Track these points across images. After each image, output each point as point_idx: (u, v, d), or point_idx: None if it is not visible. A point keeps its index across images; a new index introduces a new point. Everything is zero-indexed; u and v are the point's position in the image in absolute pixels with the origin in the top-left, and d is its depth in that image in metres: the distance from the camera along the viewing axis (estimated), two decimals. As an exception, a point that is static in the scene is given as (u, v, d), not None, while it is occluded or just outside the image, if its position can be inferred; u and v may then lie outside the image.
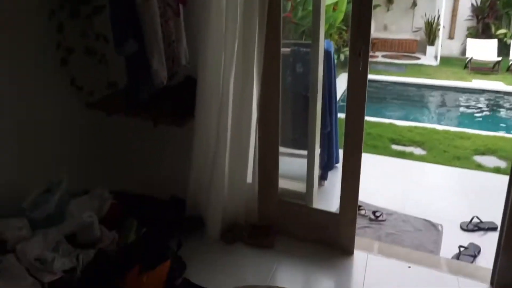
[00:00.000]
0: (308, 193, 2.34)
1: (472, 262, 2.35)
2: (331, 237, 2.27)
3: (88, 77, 2.37)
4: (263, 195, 2.35)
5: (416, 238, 2.55)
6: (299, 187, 2.40)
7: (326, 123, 2.98)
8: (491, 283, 2.12)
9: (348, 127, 2.13)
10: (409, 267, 2.18)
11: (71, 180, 2.23)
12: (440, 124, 5.79)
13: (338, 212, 2.24)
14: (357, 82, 2.05)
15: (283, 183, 2.38)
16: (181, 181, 2.38)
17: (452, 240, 2.57)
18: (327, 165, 3.07)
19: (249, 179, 2.32)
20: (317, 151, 2.48)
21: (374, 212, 2.75)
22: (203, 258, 2.22)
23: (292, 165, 3.22)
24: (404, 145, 4.54)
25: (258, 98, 2.22)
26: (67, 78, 2.29)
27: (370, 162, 3.32)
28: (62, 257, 1.75)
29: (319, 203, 2.56)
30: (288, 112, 3.00)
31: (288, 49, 3.03)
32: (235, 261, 2.22)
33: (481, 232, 2.70)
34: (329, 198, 2.99)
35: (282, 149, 2.38)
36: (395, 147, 4.51)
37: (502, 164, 4.12)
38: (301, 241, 2.33)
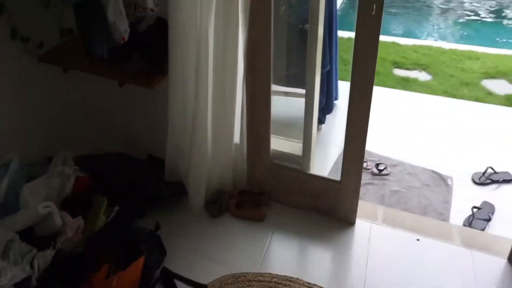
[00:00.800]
0: (305, 157, 1.88)
1: (485, 228, 2.00)
2: (330, 206, 1.89)
3: (35, 25, 1.77)
4: (253, 157, 1.90)
5: (423, 196, 2.17)
6: (294, 148, 1.93)
7: (325, 60, 2.41)
8: (509, 258, 1.79)
9: (355, 73, 1.61)
10: (418, 239, 1.84)
11: (31, 150, 1.78)
12: (447, 41, 5.04)
13: (339, 179, 1.82)
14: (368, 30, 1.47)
15: (275, 144, 1.91)
16: (159, 141, 1.92)
17: (464, 197, 2.20)
18: (325, 108, 2.57)
19: (237, 139, 1.87)
20: (316, 101, 1.96)
21: (377, 165, 2.34)
22: (185, 235, 1.85)
23: (285, 107, 2.73)
24: (407, 68, 3.93)
25: (245, 42, 1.66)
26: (6, 28, 1.70)
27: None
28: (13, 266, 1.36)
29: (315, 152, 2.13)
30: (282, 46, 2.42)
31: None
32: (223, 238, 1.85)
33: (495, 185, 2.31)
34: (326, 145, 2.55)
35: (274, 87, 1.90)
36: (398, 71, 3.91)
37: (512, 89, 3.60)
38: (296, 209, 1.95)
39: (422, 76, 3.83)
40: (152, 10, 1.61)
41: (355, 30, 1.56)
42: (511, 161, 2.50)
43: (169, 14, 1.56)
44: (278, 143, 1.94)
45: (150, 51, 1.76)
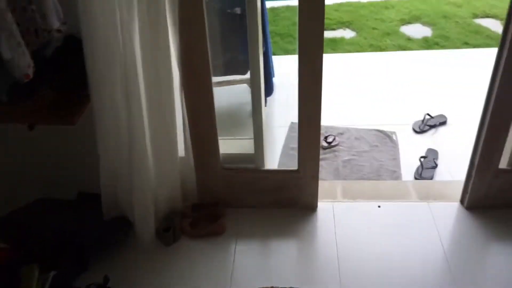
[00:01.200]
0: (258, 153, 1.76)
1: (433, 175, 2.04)
2: (291, 198, 1.81)
3: None
4: (202, 167, 1.75)
5: (374, 158, 2.17)
6: (245, 146, 1.81)
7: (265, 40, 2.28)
8: (461, 201, 1.85)
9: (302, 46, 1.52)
10: (379, 206, 1.83)
11: None
12: None
13: (297, 168, 1.74)
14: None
15: (224, 147, 1.76)
16: (89, 173, 1.66)
17: (409, 150, 2.23)
18: (265, 90, 2.45)
19: (181, 152, 1.70)
20: (262, 87, 1.78)
21: (325, 138, 2.28)
22: (141, 275, 1.60)
23: (227, 98, 2.58)
24: (333, 29, 3.89)
25: (178, 48, 1.47)
26: None
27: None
28: None
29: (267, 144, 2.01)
30: (215, 36, 2.24)
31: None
32: (184, 266, 1.63)
33: (433, 131, 2.36)
34: (272, 129, 2.45)
35: (214, 79, 1.70)
36: (324, 34, 3.85)
37: (427, 31, 3.69)
38: (256, 209, 1.83)
39: (347, 33, 3.81)
40: (59, 31, 1.33)
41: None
42: (443, 103, 2.57)
43: (82, 31, 1.32)
44: (227, 145, 1.80)
45: (62, 79, 1.50)
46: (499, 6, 4.01)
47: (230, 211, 1.81)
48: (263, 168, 1.78)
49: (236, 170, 1.78)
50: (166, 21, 1.39)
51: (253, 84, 1.71)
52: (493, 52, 3.10)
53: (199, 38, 1.50)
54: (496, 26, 3.73)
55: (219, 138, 1.75)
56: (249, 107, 1.79)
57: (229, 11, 2.28)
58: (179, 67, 1.53)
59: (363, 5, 4.19)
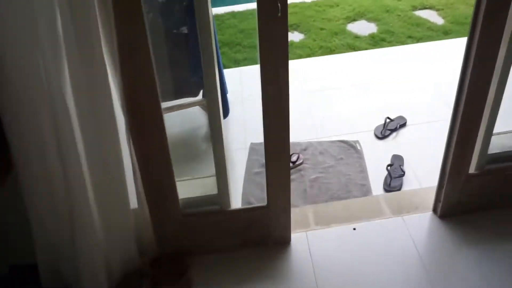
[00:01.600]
0: (223, 192, 1.54)
1: (402, 183, 1.94)
2: (261, 235, 1.63)
3: None
4: (160, 216, 1.51)
5: (341, 173, 2.03)
6: (207, 186, 1.58)
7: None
8: (434, 210, 1.76)
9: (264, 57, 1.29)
10: (354, 229, 1.70)
11: None
12: None
13: (266, 204, 1.55)
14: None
15: (183, 190, 1.53)
16: (22, 242, 1.37)
17: (374, 158, 2.12)
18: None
19: (134, 203, 1.45)
20: (221, 111, 1.55)
21: (290, 156, 2.11)
22: None
23: (179, 123, 2.34)
24: (280, 33, 3.72)
25: (119, 84, 1.23)
26: None
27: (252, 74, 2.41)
28: None
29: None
30: (162, 58, 1.99)
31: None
32: None
33: (394, 134, 2.27)
34: (228, 150, 2.23)
35: (164, 104, 1.45)
36: (272, 38, 3.68)
37: (373, 27, 3.63)
38: (225, 254, 1.62)
39: (296, 36, 3.66)
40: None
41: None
42: (400, 103, 2.49)
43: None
44: (186, 187, 1.57)
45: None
46: (434, -4, 4.05)
47: (196, 261, 1.59)
48: (228, 209, 1.57)
49: (199, 214, 1.56)
50: (102, 53, 1.14)
51: (210, 100, 1.45)
52: (436, 44, 3.09)
53: (144, 69, 1.26)
54: (433, 17, 3.75)
55: (176, 180, 1.52)
56: (204, 130, 1.59)
57: (175, 31, 2.04)
58: (122, 107, 1.28)
59: (308, 6, 4.06)
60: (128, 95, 1.27)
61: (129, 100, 1.28)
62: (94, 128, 1.25)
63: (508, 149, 1.67)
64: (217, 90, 1.43)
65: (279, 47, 1.28)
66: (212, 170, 1.59)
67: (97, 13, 1.09)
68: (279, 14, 1.16)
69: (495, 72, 1.44)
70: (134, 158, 1.38)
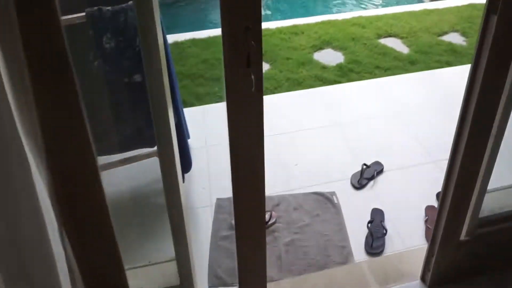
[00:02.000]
0: (186, 281, 1.25)
1: (385, 244, 1.74)
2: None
3: None
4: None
5: (318, 233, 1.80)
6: (166, 274, 1.29)
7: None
8: (422, 278, 1.56)
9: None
10: (338, 308, 1.47)
11: None
12: (271, 20, 4.65)
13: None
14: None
15: (135, 282, 1.22)
16: None
17: (353, 213, 1.91)
18: (182, 168, 1.94)
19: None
20: (179, 166, 1.28)
21: (261, 215, 1.86)
22: None
23: (130, 178, 2.02)
24: (245, 63, 3.49)
25: (47, 176, 0.91)
26: None
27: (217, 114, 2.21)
28: None
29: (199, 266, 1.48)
30: (116, 109, 1.70)
31: (82, 14, 1.48)
32: None
33: (371, 183, 2.07)
34: (191, 208, 1.94)
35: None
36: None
37: (339, 57, 3.48)
38: None
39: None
40: None
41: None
42: (375, 143, 2.31)
43: None
44: (140, 276, 1.26)
45: None
46: (397, 25, 3.99)
47: None
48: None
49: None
50: (22, 143, 0.80)
51: (162, 153, 1.20)
52: (403, 78, 2.96)
53: (79, 144, 0.96)
54: (399, 46, 3.68)
55: (126, 268, 1.22)
56: (160, 185, 1.32)
57: (126, 80, 1.75)
58: (53, 202, 0.97)
59: (273, 33, 3.86)
60: (59, 181, 0.97)
61: (59, 187, 0.98)
62: (14, 229, 0.92)
63: (498, 211, 1.52)
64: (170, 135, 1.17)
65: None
66: (172, 251, 1.30)
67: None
68: (253, 89, 0.92)
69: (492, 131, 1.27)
70: (70, 250, 1.07)
